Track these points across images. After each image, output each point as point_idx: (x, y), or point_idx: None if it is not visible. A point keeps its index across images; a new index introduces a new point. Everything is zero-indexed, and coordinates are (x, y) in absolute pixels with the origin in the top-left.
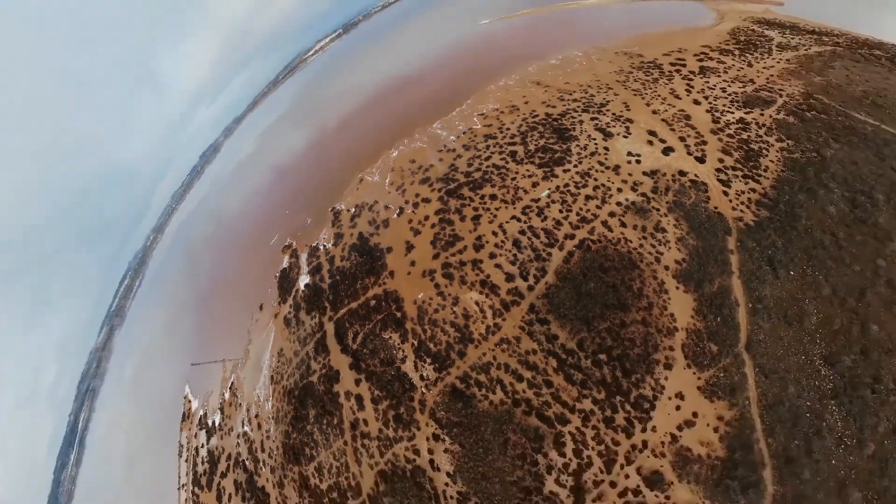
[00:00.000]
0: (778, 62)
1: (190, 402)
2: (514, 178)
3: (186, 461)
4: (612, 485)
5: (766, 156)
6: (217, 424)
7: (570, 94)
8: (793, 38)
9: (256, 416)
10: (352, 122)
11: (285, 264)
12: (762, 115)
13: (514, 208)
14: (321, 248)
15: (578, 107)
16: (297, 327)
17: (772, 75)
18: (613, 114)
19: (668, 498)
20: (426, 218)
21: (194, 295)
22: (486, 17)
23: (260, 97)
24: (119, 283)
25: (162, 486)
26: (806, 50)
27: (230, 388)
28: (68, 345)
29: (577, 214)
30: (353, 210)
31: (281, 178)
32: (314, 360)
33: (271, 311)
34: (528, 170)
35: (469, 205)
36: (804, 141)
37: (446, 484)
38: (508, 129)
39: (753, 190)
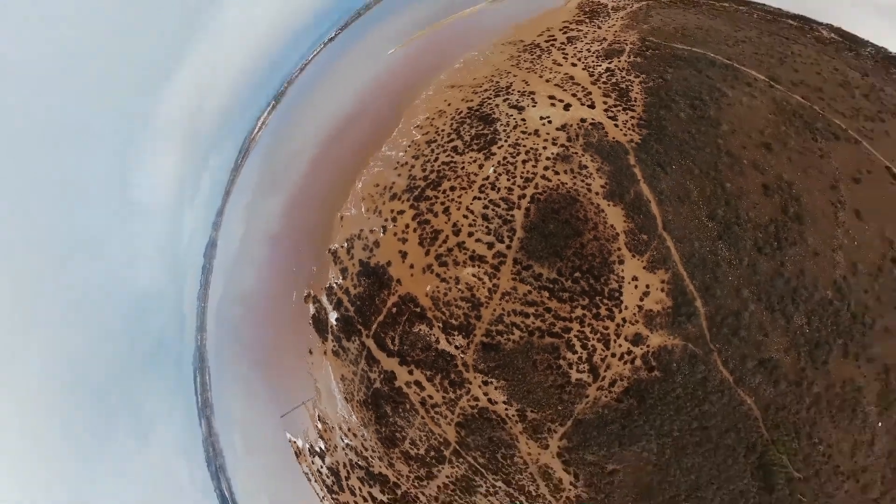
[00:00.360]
0: (616, 21)
1: (295, 442)
2: (463, 167)
3: (316, 482)
4: (613, 355)
5: (633, 90)
6: (323, 448)
7: (481, 87)
8: (620, 1)
9: (349, 429)
10: (314, 174)
11: (312, 311)
12: (619, 61)
13: (473, 190)
14: (334, 285)
15: (490, 94)
16: (345, 354)
17: (616, 31)
18: (518, 91)
19: (648, 346)
20: (406, 226)
21: (255, 365)
22: (390, 47)
23: (230, 185)
24: (193, 382)
25: None
26: (631, 7)
27: (319, 419)
28: (183, 445)
29: (521, 177)
30: (346, 244)
31: (276, 244)
32: (371, 372)
33: (320, 351)
34: (471, 157)
35: (436, 202)
36: (651, 72)
37: (505, 409)
38: (443, 129)
39: (632, 117)
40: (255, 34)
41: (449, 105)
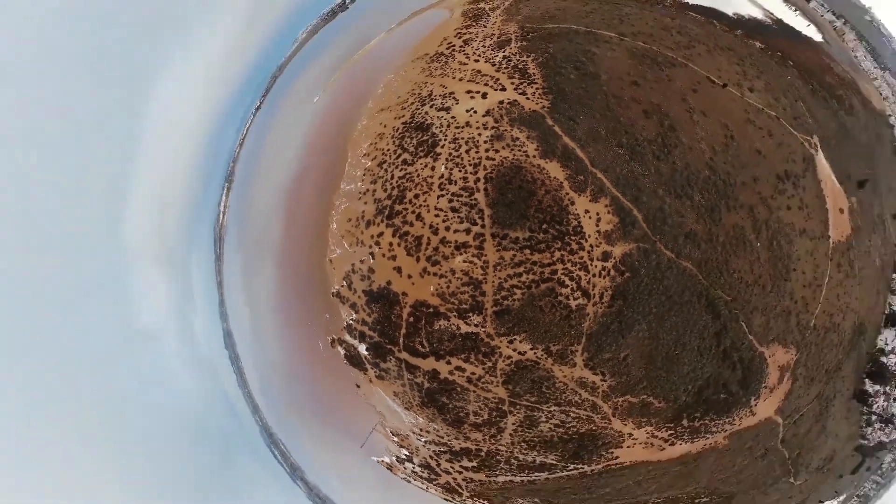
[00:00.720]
0: (496, 19)
1: (384, 461)
2: (418, 174)
3: (416, 481)
4: (594, 275)
5: (529, 68)
6: (408, 454)
7: (407, 102)
8: (493, 2)
9: (421, 429)
10: (288, 234)
11: (342, 351)
12: (511, 48)
13: (434, 191)
14: (350, 322)
15: (417, 105)
16: (388, 374)
17: (499, 26)
18: (440, 95)
19: (614, 258)
20: (390, 244)
21: (316, 418)
22: (314, 96)
23: (219, 276)
24: (273, 455)
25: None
26: (503, 6)
27: (392, 434)
28: None
29: (470, 165)
30: (345, 283)
31: (284, 310)
32: (416, 378)
33: (365, 381)
34: (422, 163)
35: (407, 212)
36: (538, 50)
37: (534, 353)
38: (389, 149)
39: (537, 89)
40: (187, 127)
41: (385, 126)
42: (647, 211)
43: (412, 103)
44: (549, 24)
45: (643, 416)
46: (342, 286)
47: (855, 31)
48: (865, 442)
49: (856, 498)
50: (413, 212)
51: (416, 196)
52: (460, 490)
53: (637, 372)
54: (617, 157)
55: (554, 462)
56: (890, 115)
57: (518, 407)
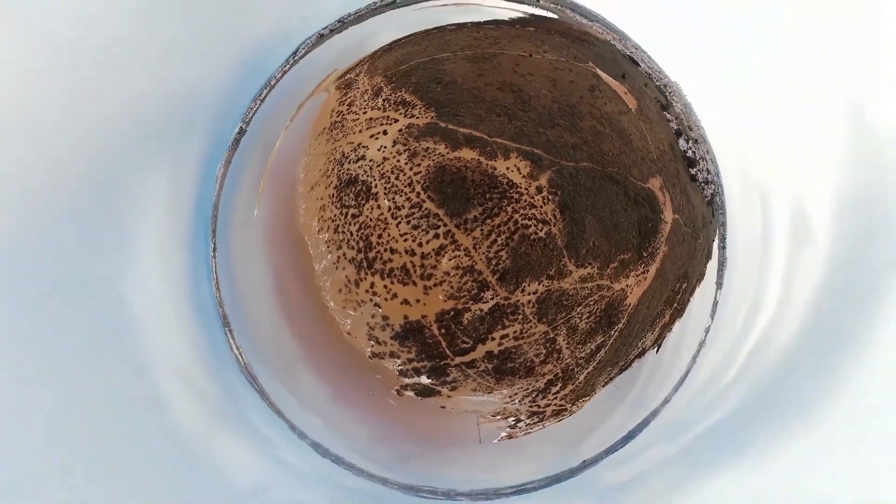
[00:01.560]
0: (364, 80)
1: (503, 437)
2: (370, 218)
3: (532, 429)
4: (540, 207)
5: (406, 97)
6: (515, 419)
7: (328, 170)
8: (356, 70)
9: (510, 396)
10: (303, 341)
11: (412, 393)
12: (385, 92)
13: (391, 222)
14: (400, 368)
15: (338, 168)
16: (457, 382)
17: (367, 82)
18: (352, 150)
19: (544, 186)
20: (385, 287)
21: (437, 452)
22: (252, 210)
23: (275, 407)
24: (425, 497)
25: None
26: (363, 69)
27: (493, 416)
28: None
29: (406, 186)
30: (372, 342)
31: (343, 401)
32: (479, 367)
33: (445, 400)
34: (367, 208)
35: (381, 254)
36: (405, 85)
37: (540, 285)
38: (336, 214)
39: (421, 108)
40: (167, 304)
41: (322, 199)
42: (542, 146)
43: (333, 169)
44: (402, 66)
45: (625, 269)
46: (372, 346)
47: (568, 9)
48: (707, 197)
49: (721, 226)
50: (385, 250)
51: (380, 236)
52: (564, 406)
53: (605, 247)
54: (502, 124)
55: (602, 340)
56: (610, 40)
57: (558, 327)
